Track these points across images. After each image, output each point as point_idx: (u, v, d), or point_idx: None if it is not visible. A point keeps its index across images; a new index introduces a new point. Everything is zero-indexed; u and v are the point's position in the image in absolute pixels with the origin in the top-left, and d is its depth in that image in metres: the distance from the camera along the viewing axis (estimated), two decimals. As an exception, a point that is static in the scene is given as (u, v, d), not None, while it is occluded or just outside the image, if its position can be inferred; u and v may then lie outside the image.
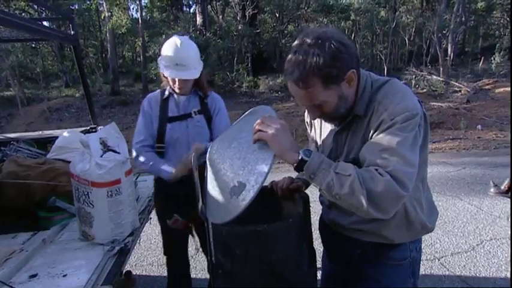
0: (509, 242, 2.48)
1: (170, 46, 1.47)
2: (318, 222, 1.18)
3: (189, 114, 1.57)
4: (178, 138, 1.55)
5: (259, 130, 0.84)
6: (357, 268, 1.03)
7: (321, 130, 1.07)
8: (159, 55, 1.52)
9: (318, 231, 1.16)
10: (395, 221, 0.90)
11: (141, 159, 1.54)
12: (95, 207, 1.22)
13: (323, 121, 1.02)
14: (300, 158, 0.80)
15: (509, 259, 2.27)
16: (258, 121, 0.85)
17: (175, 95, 1.58)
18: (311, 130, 1.16)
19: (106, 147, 1.26)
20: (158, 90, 1.65)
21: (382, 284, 0.99)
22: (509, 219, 2.83)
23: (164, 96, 1.59)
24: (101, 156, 1.22)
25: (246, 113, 1.01)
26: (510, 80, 8.95)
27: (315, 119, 0.97)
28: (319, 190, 0.83)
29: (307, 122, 1.18)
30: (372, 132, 0.84)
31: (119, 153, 1.27)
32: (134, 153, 1.56)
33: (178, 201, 1.49)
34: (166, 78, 1.53)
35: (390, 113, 0.80)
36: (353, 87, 0.86)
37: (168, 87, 1.58)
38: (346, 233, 1.02)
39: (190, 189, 1.49)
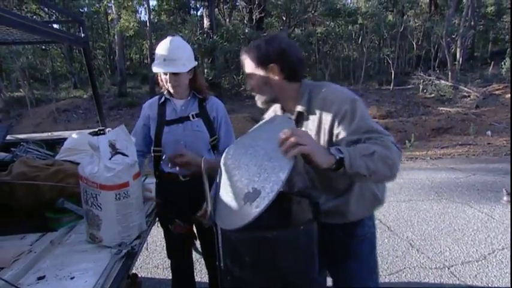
0: (522, 252, 2.42)
1: (160, 45, 1.47)
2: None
3: (187, 117, 1.54)
4: (175, 142, 1.52)
5: (297, 143, 0.81)
6: (329, 251, 1.14)
7: None
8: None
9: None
10: (353, 195, 1.07)
11: None
12: (103, 210, 1.22)
13: None
14: (338, 157, 0.85)
15: (522, 269, 2.20)
16: (288, 134, 0.82)
17: (174, 100, 1.56)
18: None
19: (115, 150, 1.26)
20: (156, 96, 1.64)
21: (353, 257, 1.15)
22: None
23: (161, 100, 1.57)
24: (110, 159, 1.22)
25: (264, 120, 1.01)
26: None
27: (249, 89, 1.17)
28: (352, 177, 0.93)
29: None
30: (329, 124, 0.99)
31: (127, 156, 1.27)
32: None
33: (179, 206, 1.47)
34: (161, 81, 1.53)
35: (338, 104, 0.98)
36: (279, 81, 1.07)
37: (165, 92, 1.57)
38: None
39: (191, 194, 1.49)
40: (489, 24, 15.21)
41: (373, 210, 1.17)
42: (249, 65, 1.10)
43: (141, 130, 1.58)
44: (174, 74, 1.46)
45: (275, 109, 1.25)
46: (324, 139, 1.02)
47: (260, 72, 1.07)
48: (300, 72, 1.10)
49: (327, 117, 0.99)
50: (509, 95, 8.58)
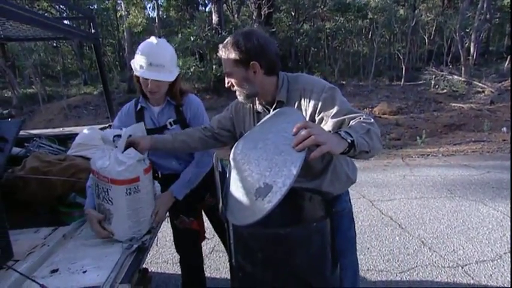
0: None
1: (145, 46, 1.35)
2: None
3: (165, 126, 1.47)
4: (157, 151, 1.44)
5: (311, 134, 0.79)
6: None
7: (253, 120, 1.24)
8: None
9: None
10: (328, 175, 1.16)
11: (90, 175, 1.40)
12: (114, 204, 1.22)
13: (255, 112, 1.24)
14: (350, 141, 0.86)
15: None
16: (306, 131, 0.80)
17: (150, 107, 1.49)
18: (240, 126, 1.30)
19: (128, 146, 1.27)
20: (132, 101, 1.55)
21: (336, 229, 1.19)
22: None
23: (137, 108, 1.49)
24: (122, 152, 1.23)
25: (272, 113, 0.98)
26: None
27: (227, 86, 1.18)
28: (354, 155, 0.93)
29: (232, 116, 1.33)
30: (311, 110, 1.06)
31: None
32: None
33: (181, 201, 1.46)
34: (138, 82, 1.42)
35: (317, 92, 1.06)
36: (259, 77, 1.11)
37: (141, 98, 1.49)
38: None
39: (194, 189, 1.47)
40: (506, 17, 14.71)
41: (347, 188, 1.28)
42: (228, 63, 1.11)
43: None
44: (157, 80, 1.35)
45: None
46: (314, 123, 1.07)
47: (240, 69, 1.10)
48: (278, 66, 1.14)
49: (309, 105, 1.07)
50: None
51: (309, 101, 1.07)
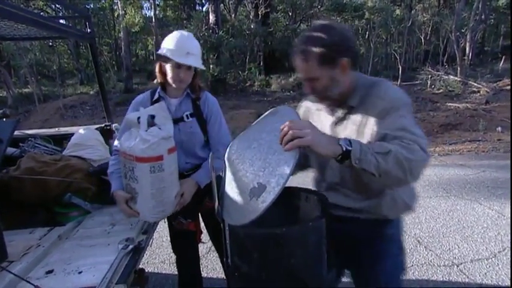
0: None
1: (180, 37, 1.40)
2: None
3: (181, 118, 1.48)
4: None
5: (297, 137, 0.79)
6: (358, 247, 1.14)
7: (320, 124, 1.10)
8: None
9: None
10: (385, 200, 1.05)
11: (110, 162, 1.47)
12: (139, 182, 1.25)
13: (321, 115, 1.13)
14: (344, 149, 0.81)
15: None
16: (286, 127, 0.81)
17: (168, 98, 1.50)
18: None
19: (152, 125, 1.29)
20: (147, 92, 1.56)
21: (381, 257, 1.13)
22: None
23: (154, 98, 1.50)
24: (146, 131, 1.25)
25: (266, 113, 0.98)
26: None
27: (308, 93, 1.04)
28: (361, 174, 0.87)
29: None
30: (373, 121, 0.95)
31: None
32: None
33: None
34: (163, 74, 1.44)
35: (389, 102, 0.94)
36: (346, 75, 0.98)
37: (158, 89, 1.50)
38: (344, 214, 1.10)
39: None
40: (500, 18, 14.83)
41: (402, 214, 1.17)
42: (311, 65, 0.94)
43: (123, 132, 1.47)
44: (189, 70, 1.41)
45: (307, 106, 1.20)
46: (368, 133, 0.97)
47: (327, 69, 0.94)
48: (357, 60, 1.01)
49: (374, 112, 0.95)
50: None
51: (375, 111, 0.95)
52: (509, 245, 2.48)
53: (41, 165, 1.56)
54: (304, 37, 0.96)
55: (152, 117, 1.31)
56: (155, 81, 1.52)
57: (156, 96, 1.50)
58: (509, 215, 2.96)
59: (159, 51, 1.41)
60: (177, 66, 1.38)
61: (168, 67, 1.40)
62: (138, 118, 1.30)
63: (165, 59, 1.38)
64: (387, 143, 0.85)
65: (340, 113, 1.05)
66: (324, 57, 0.92)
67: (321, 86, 0.97)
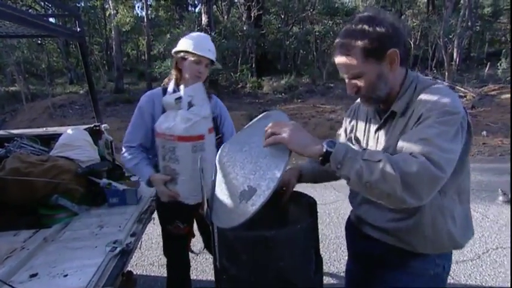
0: (515, 251, 2.44)
1: (199, 36, 1.49)
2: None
3: None
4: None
5: (274, 133, 0.81)
6: (377, 271, 1.00)
7: (364, 130, 1.02)
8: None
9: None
10: (421, 227, 0.87)
11: (126, 157, 1.47)
12: (180, 162, 1.26)
13: (367, 119, 1.01)
14: (324, 150, 0.76)
15: (515, 269, 2.22)
16: (269, 125, 0.84)
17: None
18: (352, 131, 1.08)
19: (191, 105, 1.30)
20: (159, 88, 1.58)
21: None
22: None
23: (167, 93, 1.52)
24: (187, 109, 1.26)
25: (259, 116, 0.99)
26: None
27: (352, 93, 0.89)
28: (348, 183, 0.77)
29: (346, 128, 1.12)
30: (410, 128, 0.83)
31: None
32: (123, 151, 1.51)
33: (179, 207, 1.45)
34: (179, 70, 1.47)
35: (428, 108, 0.79)
36: (395, 71, 0.85)
37: (171, 84, 1.51)
38: (370, 233, 0.99)
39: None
40: (486, 25, 15.27)
41: (447, 251, 0.93)
42: (353, 62, 0.83)
43: (137, 128, 1.50)
44: (206, 67, 1.47)
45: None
46: None
47: (373, 64, 0.82)
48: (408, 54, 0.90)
49: (413, 120, 0.82)
50: (506, 96, 8.64)
51: (415, 117, 0.82)
52: (495, 246, 2.55)
53: (27, 166, 1.53)
54: (345, 30, 0.86)
55: (190, 98, 1.33)
56: (164, 81, 1.56)
57: (170, 91, 1.50)
58: (494, 217, 3.04)
59: (179, 48, 1.46)
60: (197, 62, 1.43)
61: (187, 62, 1.44)
62: (176, 99, 1.31)
63: (185, 54, 1.43)
64: (382, 152, 0.75)
65: (382, 118, 0.92)
66: (368, 49, 0.81)
67: (367, 84, 0.85)
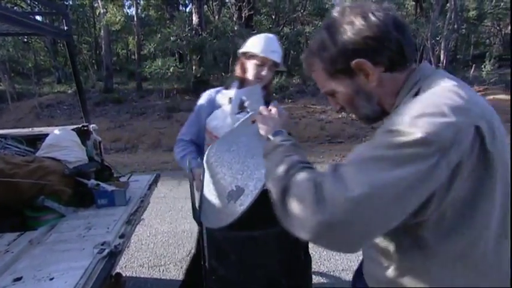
0: None
1: (267, 37, 1.46)
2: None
3: None
4: None
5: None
6: None
7: None
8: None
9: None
10: (401, 272, 0.65)
11: (176, 149, 1.51)
12: None
13: None
14: (267, 137, 0.77)
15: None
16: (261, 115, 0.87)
17: None
18: None
19: (243, 108, 1.25)
20: (219, 88, 1.60)
21: None
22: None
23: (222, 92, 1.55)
24: (236, 114, 1.22)
25: (246, 116, 0.99)
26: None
27: (337, 111, 0.77)
28: None
29: None
30: None
31: None
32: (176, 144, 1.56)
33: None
34: (243, 70, 1.47)
35: (392, 123, 0.55)
36: (379, 81, 0.65)
37: (235, 83, 1.52)
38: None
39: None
40: (471, 28, 15.68)
41: None
42: (321, 80, 0.71)
43: (195, 123, 1.53)
44: (270, 70, 1.44)
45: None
46: None
47: (343, 81, 0.67)
48: (409, 53, 0.66)
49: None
50: (490, 97, 8.89)
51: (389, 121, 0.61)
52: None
53: (12, 167, 1.50)
54: (309, 44, 0.74)
55: (243, 101, 1.29)
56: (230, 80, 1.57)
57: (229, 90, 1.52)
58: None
59: (244, 49, 1.46)
60: (261, 64, 1.41)
61: (251, 64, 1.43)
62: (230, 98, 1.30)
63: (250, 55, 1.42)
64: (302, 161, 0.62)
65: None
66: (330, 64, 0.67)
67: (344, 102, 0.71)
